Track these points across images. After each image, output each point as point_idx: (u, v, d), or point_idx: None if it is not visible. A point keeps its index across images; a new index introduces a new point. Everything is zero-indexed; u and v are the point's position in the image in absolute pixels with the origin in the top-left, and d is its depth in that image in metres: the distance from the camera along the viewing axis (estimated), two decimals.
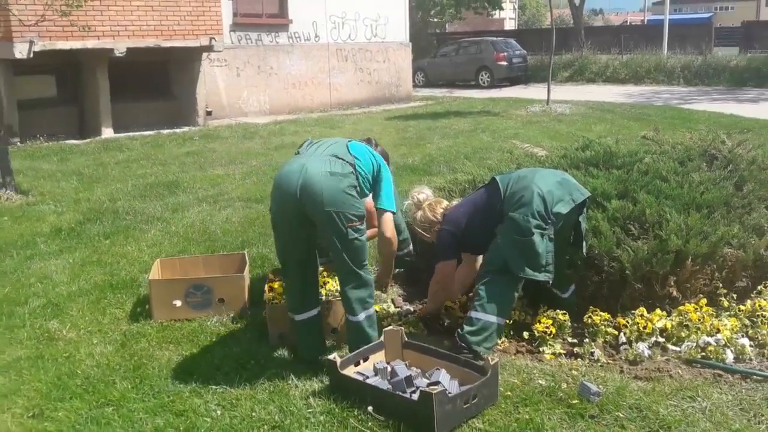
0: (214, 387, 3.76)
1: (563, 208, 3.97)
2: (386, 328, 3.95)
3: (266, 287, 4.58)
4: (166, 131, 13.62)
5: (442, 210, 4.40)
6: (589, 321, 4.18)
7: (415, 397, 3.38)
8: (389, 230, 4.05)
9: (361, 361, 3.79)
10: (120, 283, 5.37)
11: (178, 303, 4.66)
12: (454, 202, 4.55)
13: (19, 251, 6.22)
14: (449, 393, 3.32)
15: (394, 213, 4.11)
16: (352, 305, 3.82)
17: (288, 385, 3.74)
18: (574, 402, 3.49)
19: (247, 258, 5.18)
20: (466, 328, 3.91)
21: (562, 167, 5.17)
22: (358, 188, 3.80)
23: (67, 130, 13.31)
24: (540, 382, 3.70)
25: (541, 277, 3.94)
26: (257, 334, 4.39)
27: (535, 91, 20.82)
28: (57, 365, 4.08)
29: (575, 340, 4.18)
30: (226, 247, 6.15)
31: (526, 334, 4.20)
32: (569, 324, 4.23)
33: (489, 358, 3.54)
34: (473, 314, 3.93)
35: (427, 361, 3.78)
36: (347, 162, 3.83)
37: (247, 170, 9.82)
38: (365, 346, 3.82)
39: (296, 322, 3.98)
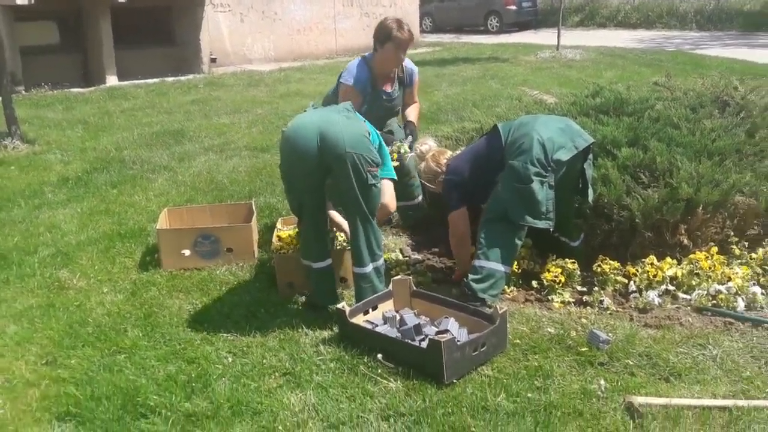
0: (224, 335, 3.79)
1: (564, 155, 3.92)
2: (395, 278, 3.95)
3: (275, 237, 4.58)
4: (170, 79, 13.49)
5: (445, 160, 4.35)
6: (599, 270, 4.17)
7: (424, 345, 3.40)
8: (390, 200, 4.07)
9: (370, 310, 3.80)
10: (128, 232, 5.37)
11: (187, 252, 4.66)
12: (458, 152, 4.50)
13: (27, 200, 6.22)
14: (458, 341, 3.33)
15: (393, 180, 4.14)
16: (362, 255, 3.81)
17: (298, 333, 3.76)
18: (583, 350, 3.50)
19: (254, 207, 5.16)
20: (471, 276, 3.91)
21: (571, 114, 5.09)
22: (373, 136, 3.77)
23: (72, 77, 13.19)
24: (549, 330, 3.71)
25: (541, 224, 3.92)
26: (266, 284, 4.40)
27: (545, 37, 20.49)
28: (68, 314, 4.10)
29: (584, 289, 4.18)
30: (234, 196, 6.14)
31: (534, 283, 4.20)
32: (578, 273, 4.22)
33: (497, 307, 3.54)
34: (477, 263, 3.93)
35: (436, 309, 3.79)
36: (357, 116, 3.83)
37: (252, 119, 9.75)
38: (374, 295, 3.83)
39: (313, 270, 3.99)
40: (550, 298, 4.08)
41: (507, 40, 20.64)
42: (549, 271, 4.17)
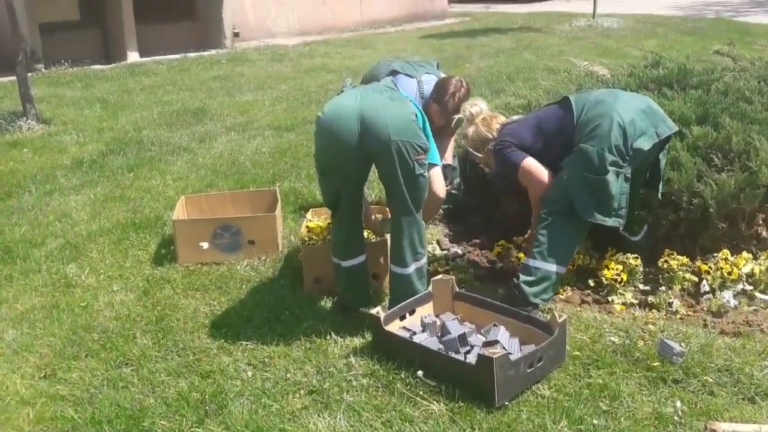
0: (244, 343, 3.38)
1: (645, 144, 3.39)
2: (435, 278, 3.49)
3: (303, 228, 4.15)
4: (192, 54, 13.06)
5: (498, 126, 3.79)
6: (665, 266, 3.69)
7: (471, 358, 2.97)
8: (440, 187, 3.60)
9: (407, 315, 3.37)
10: (144, 221, 4.98)
11: (205, 245, 4.26)
12: (515, 117, 3.95)
13: (39, 186, 5.85)
14: (510, 354, 2.89)
15: (440, 166, 3.66)
16: (403, 254, 3.37)
17: (326, 341, 3.34)
18: (654, 364, 3.03)
19: (279, 195, 4.72)
20: (524, 277, 3.43)
21: (630, 88, 4.56)
22: (419, 118, 3.31)
23: (92, 54, 12.80)
24: (612, 338, 3.25)
25: (611, 222, 3.41)
26: (291, 281, 3.99)
27: (579, 5, 19.63)
28: (73, 316, 3.73)
29: (647, 288, 3.70)
30: (256, 180, 5.72)
31: (591, 282, 3.73)
32: (641, 269, 3.74)
33: (555, 314, 3.08)
34: (532, 262, 3.43)
35: (482, 314, 3.33)
36: (402, 94, 3.37)
37: (276, 96, 9.30)
38: (411, 299, 3.39)
39: (342, 269, 3.55)
40: (610, 299, 3.61)
41: (539, 9, 19.82)
42: (608, 267, 3.69)
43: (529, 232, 3.90)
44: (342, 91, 3.44)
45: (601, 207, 3.36)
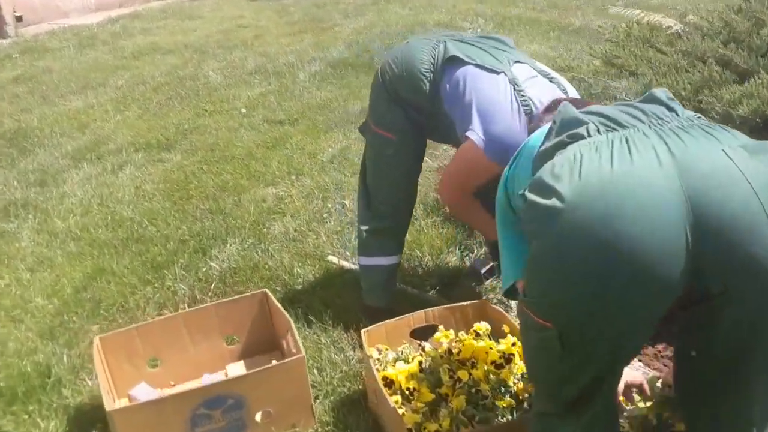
0: None
1: None
2: None
3: (378, 382, 2.18)
4: None
5: None
6: None
7: None
8: None
9: None
10: (14, 384, 2.74)
11: None
12: None
13: None
14: None
15: None
16: None
17: None
18: None
19: (275, 302, 2.66)
20: None
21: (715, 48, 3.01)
22: None
23: None
24: None
25: None
26: None
27: None
28: None
29: None
30: (176, 253, 3.56)
31: None
32: None
33: None
34: None
35: None
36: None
37: (117, 96, 6.86)
38: None
39: None
40: None
41: None
42: None
43: None
44: (584, 124, 1.47)
45: None
